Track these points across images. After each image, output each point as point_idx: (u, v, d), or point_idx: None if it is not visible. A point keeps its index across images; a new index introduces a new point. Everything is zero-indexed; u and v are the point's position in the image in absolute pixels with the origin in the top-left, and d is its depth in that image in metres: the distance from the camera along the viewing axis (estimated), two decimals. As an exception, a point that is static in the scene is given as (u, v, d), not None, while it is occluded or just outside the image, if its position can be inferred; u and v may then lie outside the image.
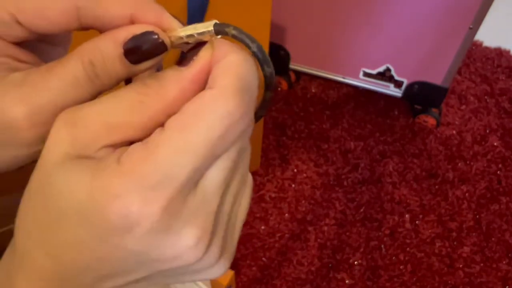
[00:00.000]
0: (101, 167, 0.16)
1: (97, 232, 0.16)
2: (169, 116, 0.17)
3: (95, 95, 0.19)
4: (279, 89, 1.20)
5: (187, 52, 0.19)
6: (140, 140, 0.17)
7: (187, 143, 0.16)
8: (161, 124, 0.17)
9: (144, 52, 0.19)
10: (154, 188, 0.16)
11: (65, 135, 0.17)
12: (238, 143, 0.17)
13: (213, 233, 0.18)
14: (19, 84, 0.18)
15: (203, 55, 0.18)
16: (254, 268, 0.87)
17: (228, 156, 0.17)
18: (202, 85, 0.18)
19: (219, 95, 0.16)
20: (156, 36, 0.19)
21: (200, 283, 0.48)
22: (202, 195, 0.17)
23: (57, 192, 0.17)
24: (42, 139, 0.18)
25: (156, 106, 0.17)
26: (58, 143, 0.17)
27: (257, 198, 0.96)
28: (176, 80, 0.18)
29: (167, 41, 0.19)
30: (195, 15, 0.60)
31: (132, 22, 0.19)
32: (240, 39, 0.19)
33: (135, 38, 0.19)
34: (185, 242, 0.17)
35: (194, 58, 0.18)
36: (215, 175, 0.17)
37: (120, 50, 0.18)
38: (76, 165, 0.17)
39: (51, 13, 0.19)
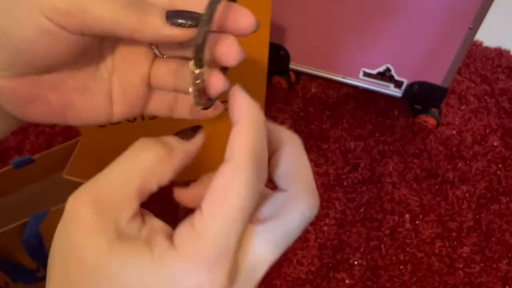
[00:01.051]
0: (158, 252, 0.18)
1: None
2: (173, 176, 0.21)
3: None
4: (279, 89, 1.20)
5: (187, 130, 0.23)
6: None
7: (229, 215, 0.18)
8: (165, 183, 0.20)
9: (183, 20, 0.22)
10: (216, 262, 0.18)
11: (92, 217, 0.19)
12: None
13: None
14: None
15: (199, 136, 0.23)
16: (254, 268, 0.87)
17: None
18: (193, 157, 0.22)
19: (239, 169, 0.19)
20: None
21: None
22: (250, 258, 0.20)
23: (115, 276, 0.18)
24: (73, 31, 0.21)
25: (167, 174, 0.21)
26: (89, 228, 0.18)
27: (257, 198, 0.96)
28: (181, 147, 0.21)
29: None
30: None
31: None
32: None
33: None
34: None
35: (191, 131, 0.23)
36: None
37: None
38: (124, 248, 0.18)
39: None
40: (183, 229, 0.19)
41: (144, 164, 0.20)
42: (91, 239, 0.18)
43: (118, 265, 0.18)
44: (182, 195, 0.23)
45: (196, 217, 0.19)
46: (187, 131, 0.22)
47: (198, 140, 0.22)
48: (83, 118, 0.26)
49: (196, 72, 0.22)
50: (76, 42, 0.21)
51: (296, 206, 0.21)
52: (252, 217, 0.21)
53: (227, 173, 0.19)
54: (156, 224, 0.20)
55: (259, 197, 0.20)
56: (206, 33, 0.20)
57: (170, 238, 0.19)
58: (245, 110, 0.21)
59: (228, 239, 0.18)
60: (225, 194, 0.19)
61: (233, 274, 0.19)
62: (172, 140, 0.22)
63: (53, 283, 0.19)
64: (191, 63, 0.21)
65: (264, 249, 0.20)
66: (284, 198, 0.22)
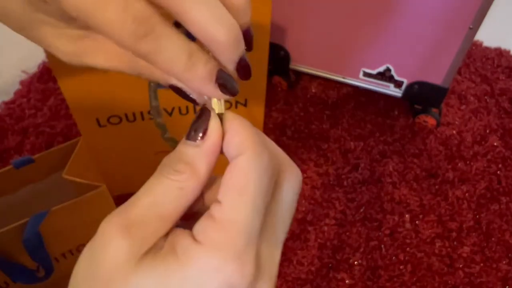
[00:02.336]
0: (182, 253, 0.18)
1: None
2: (201, 190, 0.20)
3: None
4: (279, 89, 1.20)
5: (193, 124, 0.21)
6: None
7: (251, 202, 0.19)
8: (196, 197, 0.20)
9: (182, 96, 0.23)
10: (243, 250, 0.18)
11: (123, 242, 0.18)
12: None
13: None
14: (73, 41, 0.23)
15: (214, 127, 0.20)
16: (254, 268, 0.86)
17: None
18: (218, 153, 0.21)
19: (253, 158, 0.19)
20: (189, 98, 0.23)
21: None
22: (268, 244, 0.20)
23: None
24: None
25: (194, 187, 0.20)
26: (119, 251, 0.18)
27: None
28: (201, 157, 0.20)
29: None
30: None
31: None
32: None
33: None
34: None
35: (200, 130, 0.21)
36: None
37: (168, 85, 0.24)
38: (150, 261, 0.18)
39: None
40: (203, 224, 0.19)
41: (173, 190, 0.20)
42: (117, 258, 0.18)
43: (143, 275, 0.18)
44: None
45: (216, 210, 0.19)
46: (194, 123, 0.21)
47: (214, 133, 0.20)
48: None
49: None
50: None
51: (289, 180, 0.22)
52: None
53: (244, 163, 0.19)
54: (177, 230, 0.20)
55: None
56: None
57: (192, 237, 0.19)
58: (233, 119, 0.21)
59: (252, 228, 0.19)
60: (244, 183, 0.19)
61: (258, 262, 0.19)
62: (190, 152, 0.20)
63: None
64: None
65: (276, 233, 0.21)
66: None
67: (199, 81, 0.20)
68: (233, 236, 0.18)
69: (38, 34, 0.23)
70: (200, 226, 0.19)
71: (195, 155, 0.20)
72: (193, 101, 0.22)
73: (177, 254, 0.18)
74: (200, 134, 0.20)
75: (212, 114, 0.21)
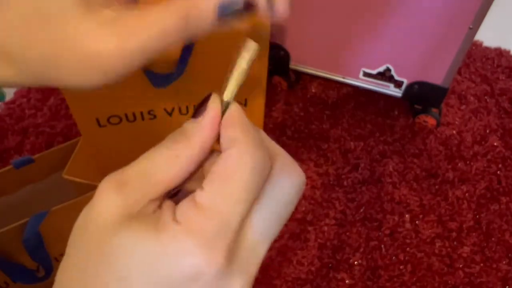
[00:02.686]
0: (162, 228, 0.19)
1: (168, 286, 0.19)
2: (197, 162, 0.21)
3: (179, 45, 0.22)
4: (279, 89, 1.20)
5: (197, 107, 0.22)
6: (176, 187, 0.21)
7: (232, 193, 0.19)
8: (192, 171, 0.21)
9: (233, 13, 0.22)
10: (215, 238, 0.18)
11: (115, 197, 0.19)
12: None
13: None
14: (111, 22, 0.21)
15: (212, 106, 0.22)
16: (254, 268, 0.87)
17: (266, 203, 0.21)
18: (217, 130, 0.21)
19: (244, 152, 0.20)
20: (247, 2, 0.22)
21: None
22: (249, 239, 0.20)
23: (122, 251, 0.19)
24: (122, 72, 0.21)
25: (187, 156, 0.21)
26: (111, 205, 0.19)
27: (257, 198, 0.96)
28: (197, 130, 0.21)
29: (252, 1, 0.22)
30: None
31: None
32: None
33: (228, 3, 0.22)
34: (239, 286, 0.20)
35: (201, 110, 0.22)
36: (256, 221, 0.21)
37: (216, 11, 0.22)
38: (136, 225, 0.19)
39: None
40: (185, 205, 0.19)
41: (166, 160, 0.21)
42: (107, 212, 0.19)
43: (127, 235, 0.19)
44: None
45: (198, 195, 0.19)
46: (198, 106, 0.22)
47: (211, 111, 0.22)
48: None
49: None
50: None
51: (285, 176, 0.22)
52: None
53: (234, 155, 0.20)
54: (167, 203, 0.20)
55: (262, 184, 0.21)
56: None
57: (173, 214, 0.20)
58: (233, 113, 0.22)
59: (229, 218, 0.19)
60: (230, 174, 0.19)
61: (231, 254, 0.19)
62: (188, 126, 0.22)
63: (70, 250, 0.21)
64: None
65: (262, 229, 0.20)
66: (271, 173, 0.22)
67: None
68: (207, 222, 0.18)
69: None
70: (183, 207, 0.20)
71: (192, 129, 0.21)
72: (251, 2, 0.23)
73: (158, 227, 0.19)
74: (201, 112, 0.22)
75: (213, 95, 0.22)
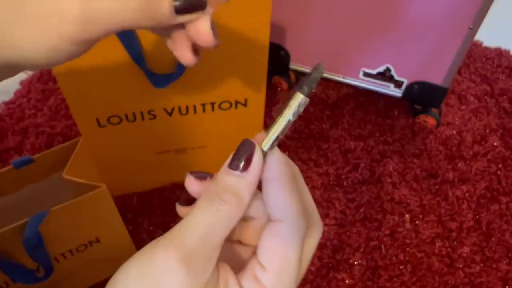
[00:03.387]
0: None
1: None
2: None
3: (138, 25, 0.23)
4: (279, 89, 1.20)
5: (236, 156, 0.23)
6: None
7: (291, 276, 0.22)
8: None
9: (189, 8, 0.24)
10: None
11: (185, 276, 0.20)
12: None
13: None
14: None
15: (257, 160, 0.22)
16: (254, 268, 0.86)
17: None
18: (258, 181, 0.23)
19: (292, 227, 0.22)
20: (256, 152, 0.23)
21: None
22: None
23: None
24: (76, 40, 0.21)
25: (240, 216, 0.22)
26: (181, 284, 0.20)
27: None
28: (246, 188, 0.22)
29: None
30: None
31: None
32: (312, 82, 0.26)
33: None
34: None
35: (242, 160, 0.22)
36: None
37: (171, 9, 0.23)
38: None
39: None
40: (248, 282, 0.21)
41: (223, 219, 0.21)
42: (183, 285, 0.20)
43: None
44: (192, 185, 0.24)
45: (262, 275, 0.21)
46: (240, 153, 0.23)
47: (256, 166, 0.22)
48: None
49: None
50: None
51: (314, 237, 0.25)
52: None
53: (284, 232, 0.22)
54: (229, 275, 0.21)
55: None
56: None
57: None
58: (277, 166, 0.23)
59: None
60: (287, 254, 0.21)
61: None
62: (235, 181, 0.22)
63: None
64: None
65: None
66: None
67: None
68: None
69: None
70: (247, 282, 0.21)
71: (240, 186, 0.22)
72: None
73: None
74: (242, 164, 0.22)
75: (256, 148, 0.23)
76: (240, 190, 0.22)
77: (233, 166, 0.22)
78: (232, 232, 0.24)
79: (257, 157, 0.22)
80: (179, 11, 0.23)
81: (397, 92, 1.09)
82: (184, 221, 0.21)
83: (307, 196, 0.25)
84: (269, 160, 0.23)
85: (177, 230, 0.21)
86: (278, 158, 0.23)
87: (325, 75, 1.13)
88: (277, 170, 0.23)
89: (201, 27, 0.25)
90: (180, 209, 0.24)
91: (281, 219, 0.22)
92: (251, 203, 0.23)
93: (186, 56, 0.27)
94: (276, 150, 0.24)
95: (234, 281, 0.21)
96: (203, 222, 0.21)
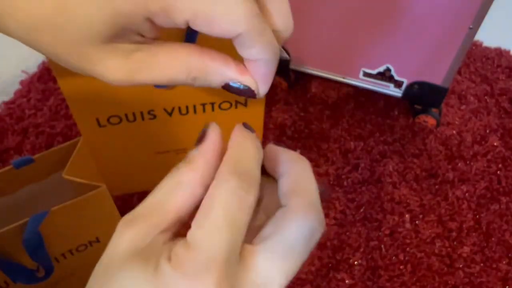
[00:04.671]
0: (160, 270, 0.19)
1: None
2: (202, 185, 0.22)
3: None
4: (279, 89, 1.20)
5: (198, 137, 0.24)
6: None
7: (212, 225, 0.20)
8: (200, 195, 0.21)
9: (236, 93, 0.24)
10: (204, 270, 0.19)
11: (126, 232, 0.21)
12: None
13: None
14: (126, 56, 0.22)
15: (210, 132, 0.23)
16: (254, 268, 0.86)
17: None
18: (218, 154, 0.23)
19: (220, 182, 0.21)
20: (251, 92, 0.24)
21: None
22: (253, 277, 0.20)
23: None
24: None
25: (190, 180, 0.22)
26: (121, 241, 0.20)
27: (257, 198, 0.96)
28: (198, 154, 0.22)
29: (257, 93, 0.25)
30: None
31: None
32: None
33: (235, 87, 0.24)
34: None
35: (201, 137, 0.23)
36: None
37: (222, 84, 0.24)
38: (138, 263, 0.20)
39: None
40: (177, 243, 0.20)
41: (170, 185, 0.22)
42: (118, 247, 0.20)
43: (125, 280, 0.19)
44: None
45: (188, 232, 0.20)
46: (199, 136, 0.24)
47: (211, 138, 0.23)
48: None
49: None
50: None
51: (294, 219, 0.22)
52: (254, 238, 0.22)
53: (211, 189, 0.21)
54: (176, 241, 0.21)
55: (253, 213, 0.21)
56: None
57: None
58: (213, 131, 0.23)
59: (214, 248, 0.19)
60: (208, 206, 0.20)
61: (227, 285, 0.19)
62: (191, 154, 0.23)
63: (89, 281, 0.22)
64: None
65: (267, 268, 0.20)
66: (283, 213, 0.22)
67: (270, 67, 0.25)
68: (191, 254, 0.19)
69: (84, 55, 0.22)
70: (175, 245, 0.20)
71: (193, 155, 0.22)
72: (251, 93, 0.25)
73: (156, 270, 0.19)
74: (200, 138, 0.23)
75: (212, 123, 0.24)
76: (193, 157, 0.22)
77: (196, 145, 0.23)
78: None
79: (211, 131, 0.23)
80: (227, 90, 0.24)
81: (397, 92, 1.09)
82: None
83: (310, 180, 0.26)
84: (281, 155, 0.26)
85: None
86: (288, 153, 0.26)
87: (325, 75, 1.13)
88: (289, 158, 0.26)
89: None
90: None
91: (288, 202, 0.23)
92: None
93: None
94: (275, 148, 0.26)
95: (168, 252, 0.21)
96: (154, 190, 0.22)
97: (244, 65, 0.25)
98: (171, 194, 0.21)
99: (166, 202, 0.21)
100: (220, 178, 0.21)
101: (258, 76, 0.25)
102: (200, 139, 0.23)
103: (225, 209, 0.20)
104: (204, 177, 0.22)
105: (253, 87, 0.24)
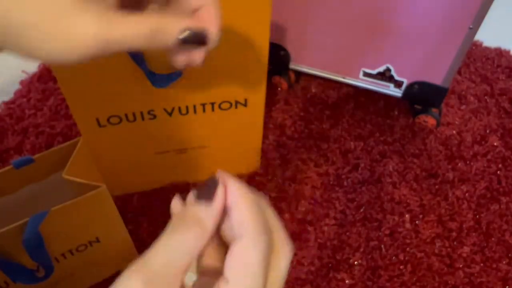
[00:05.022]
0: None
1: None
2: (209, 240, 0.25)
3: (145, 48, 0.26)
4: (279, 89, 1.20)
5: (202, 189, 0.26)
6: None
7: (250, 280, 0.23)
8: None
9: (191, 43, 0.27)
10: None
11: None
12: None
13: None
14: (97, 14, 0.23)
15: (220, 193, 0.25)
16: (254, 268, 0.86)
17: None
18: (222, 211, 0.25)
19: (252, 244, 0.24)
20: (205, 36, 0.28)
21: None
22: None
23: None
24: (90, 57, 0.24)
25: (204, 242, 0.24)
26: None
27: (257, 198, 0.96)
28: (210, 217, 0.25)
29: (210, 39, 0.28)
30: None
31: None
32: None
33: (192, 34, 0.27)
34: None
35: (209, 194, 0.25)
36: None
37: (176, 41, 0.26)
38: None
39: None
40: None
41: (186, 245, 0.24)
42: None
43: None
44: (177, 205, 0.27)
45: (223, 286, 0.23)
46: (207, 187, 0.25)
47: (220, 198, 0.25)
48: None
49: None
50: None
51: (284, 254, 0.27)
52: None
53: (244, 248, 0.23)
54: None
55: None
56: None
57: None
58: (237, 191, 0.26)
59: None
60: (245, 267, 0.23)
61: None
62: (201, 211, 0.25)
63: None
64: None
65: None
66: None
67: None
68: None
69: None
70: None
71: (205, 215, 0.24)
72: (204, 38, 0.28)
73: None
74: (208, 196, 0.25)
75: (219, 175, 0.26)
76: (205, 218, 0.24)
77: (200, 197, 0.25)
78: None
79: (220, 190, 0.25)
80: (183, 43, 0.26)
81: (397, 92, 1.09)
82: (153, 245, 0.23)
83: (272, 218, 0.27)
84: (230, 189, 0.26)
85: (146, 255, 0.23)
86: (237, 187, 0.26)
87: (325, 75, 1.13)
88: (236, 194, 0.25)
89: (195, 56, 0.29)
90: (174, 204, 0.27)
91: (240, 235, 0.24)
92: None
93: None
94: (236, 181, 0.27)
95: None
96: (167, 248, 0.23)
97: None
98: (187, 256, 0.23)
99: (181, 263, 0.23)
100: (252, 240, 0.24)
101: (207, 22, 0.28)
102: (205, 192, 0.25)
103: (259, 268, 0.24)
104: (211, 236, 0.25)
105: (205, 32, 0.27)
